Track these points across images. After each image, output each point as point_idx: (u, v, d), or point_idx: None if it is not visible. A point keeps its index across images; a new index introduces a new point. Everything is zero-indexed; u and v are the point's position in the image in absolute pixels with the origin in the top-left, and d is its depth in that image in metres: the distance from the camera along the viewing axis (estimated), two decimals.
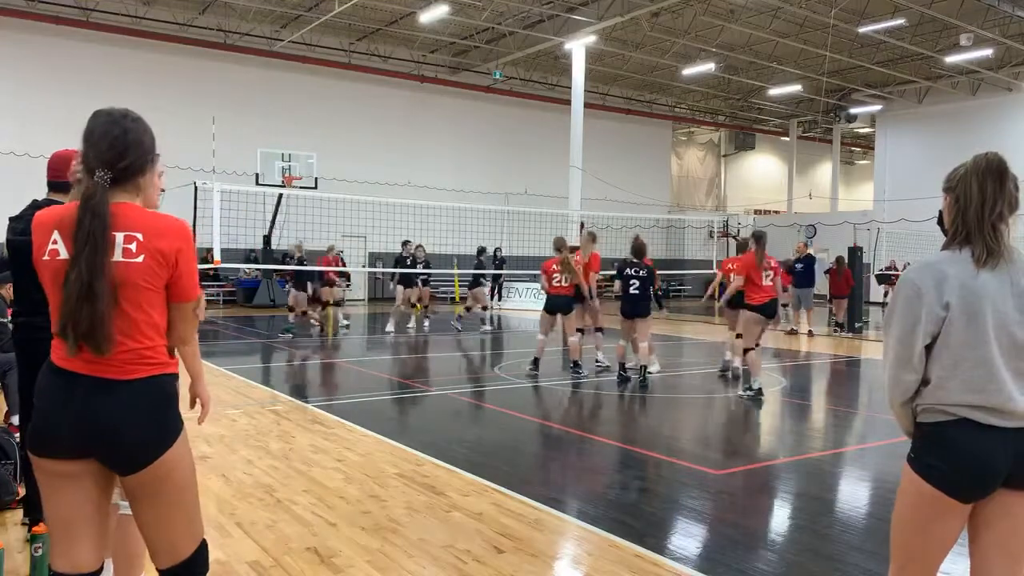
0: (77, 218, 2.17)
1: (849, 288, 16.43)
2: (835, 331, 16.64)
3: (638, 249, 9.47)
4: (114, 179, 2.25)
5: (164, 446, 2.24)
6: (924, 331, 2.25)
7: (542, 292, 10.55)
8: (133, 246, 2.20)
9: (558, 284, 10.01)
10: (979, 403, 2.20)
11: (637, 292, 9.23)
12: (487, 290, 18.48)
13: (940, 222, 2.40)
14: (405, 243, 15.54)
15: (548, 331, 10.16)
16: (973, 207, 2.26)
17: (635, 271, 9.23)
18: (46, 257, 2.20)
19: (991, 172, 2.27)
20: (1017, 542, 2.27)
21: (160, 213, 2.33)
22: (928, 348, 2.27)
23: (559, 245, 10.28)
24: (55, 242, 2.19)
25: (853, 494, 5.52)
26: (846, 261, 16.60)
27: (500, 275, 21.12)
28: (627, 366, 9.64)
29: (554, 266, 10.00)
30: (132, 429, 2.19)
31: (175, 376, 2.34)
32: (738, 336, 9.97)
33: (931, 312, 2.23)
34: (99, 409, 2.18)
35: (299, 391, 8.96)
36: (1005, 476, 2.20)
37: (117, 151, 2.25)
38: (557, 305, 10.08)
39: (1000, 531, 2.26)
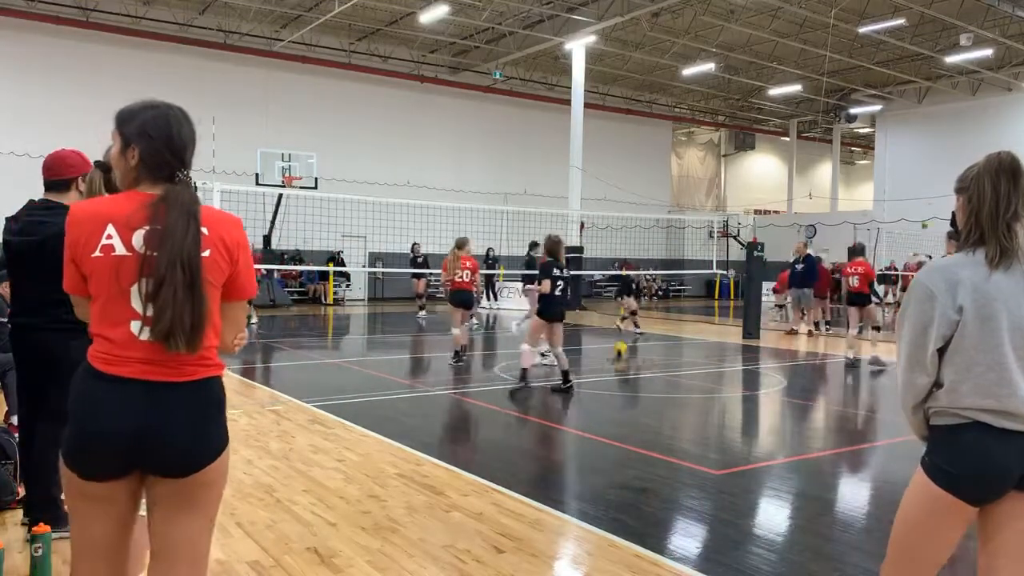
0: (170, 219, 2.03)
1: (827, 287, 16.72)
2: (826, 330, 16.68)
3: (559, 248, 9.09)
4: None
5: (215, 452, 2.15)
6: (936, 334, 2.21)
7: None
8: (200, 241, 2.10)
9: (460, 280, 10.94)
10: (992, 407, 2.17)
11: (561, 294, 8.93)
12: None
13: (953, 223, 2.36)
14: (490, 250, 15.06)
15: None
16: (987, 207, 2.21)
17: (562, 272, 8.91)
18: (98, 253, 2.04)
19: (1004, 171, 2.22)
20: None
21: (212, 207, 2.25)
22: (941, 351, 2.23)
23: (460, 244, 11.15)
24: (109, 237, 2.04)
25: (853, 494, 5.52)
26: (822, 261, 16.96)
27: (493, 275, 21.18)
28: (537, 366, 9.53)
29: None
30: (187, 431, 2.08)
31: (221, 379, 2.25)
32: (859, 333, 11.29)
33: (944, 315, 2.20)
34: (157, 413, 2.05)
35: (299, 391, 8.95)
36: (1017, 479, 2.18)
37: (187, 145, 2.18)
38: (459, 299, 11.01)
39: (1009, 535, 2.23)
